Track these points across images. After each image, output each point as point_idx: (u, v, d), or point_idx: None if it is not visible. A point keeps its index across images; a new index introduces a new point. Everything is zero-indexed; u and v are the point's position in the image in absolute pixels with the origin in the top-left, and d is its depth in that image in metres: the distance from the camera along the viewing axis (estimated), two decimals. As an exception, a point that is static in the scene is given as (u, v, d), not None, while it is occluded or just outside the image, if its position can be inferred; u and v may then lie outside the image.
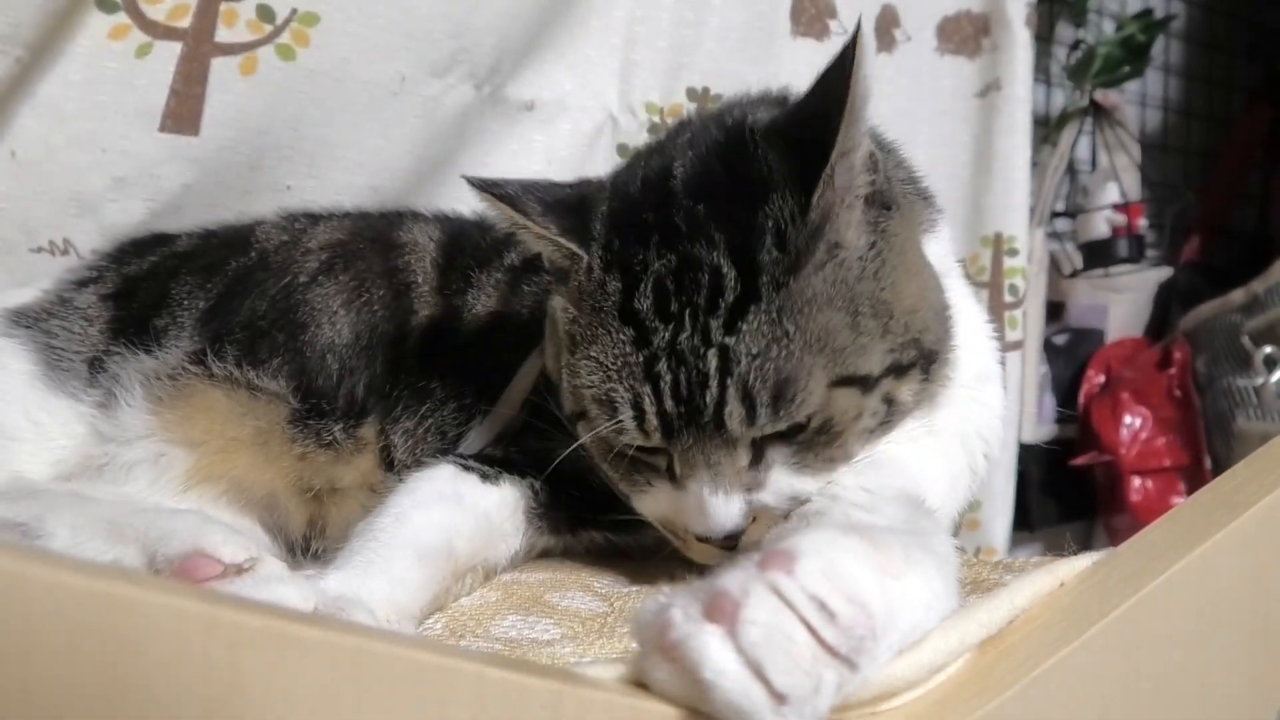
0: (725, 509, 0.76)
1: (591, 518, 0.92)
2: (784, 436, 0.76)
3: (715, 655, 0.44)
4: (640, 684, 0.46)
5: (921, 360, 0.80)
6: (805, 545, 0.47)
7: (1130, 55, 2.17)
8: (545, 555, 0.94)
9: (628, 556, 0.94)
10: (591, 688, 0.43)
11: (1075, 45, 2.25)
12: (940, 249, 0.91)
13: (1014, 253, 1.85)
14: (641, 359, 0.76)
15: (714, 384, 0.73)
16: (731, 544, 0.77)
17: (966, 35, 1.86)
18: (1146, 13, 2.29)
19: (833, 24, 1.76)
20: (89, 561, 0.35)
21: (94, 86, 1.24)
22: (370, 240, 1.13)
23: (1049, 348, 2.30)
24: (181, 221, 1.26)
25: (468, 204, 1.28)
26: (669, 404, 0.75)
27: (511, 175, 1.49)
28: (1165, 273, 2.40)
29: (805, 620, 0.45)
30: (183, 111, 1.29)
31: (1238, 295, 2.03)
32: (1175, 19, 2.51)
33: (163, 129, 1.28)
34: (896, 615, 0.49)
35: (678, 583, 0.73)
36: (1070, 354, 2.32)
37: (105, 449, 1.00)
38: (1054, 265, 2.26)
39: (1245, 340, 1.98)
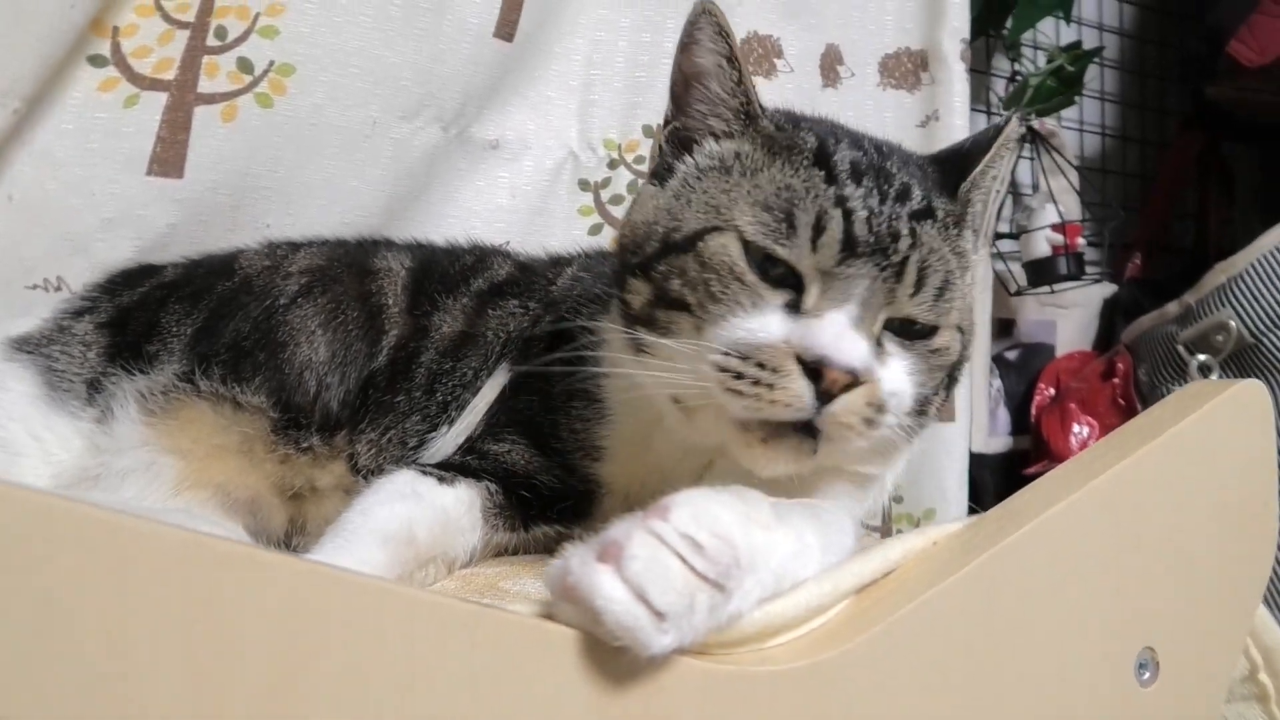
0: (860, 344, 0.77)
1: (541, 513, 0.98)
2: (903, 338, 0.83)
3: (605, 587, 0.54)
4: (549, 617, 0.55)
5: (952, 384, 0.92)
6: (680, 499, 0.58)
7: (1062, 85, 2.30)
8: (501, 554, 0.99)
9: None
10: (506, 613, 0.53)
11: (1011, 77, 2.38)
12: None
13: (958, 272, 1.94)
14: (833, 193, 0.82)
15: (905, 241, 0.81)
16: (834, 392, 0.76)
17: (906, 70, 1.96)
18: (1075, 45, 2.42)
19: (779, 63, 1.86)
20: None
21: (85, 135, 1.34)
22: (347, 266, 1.20)
23: (1001, 363, 2.39)
24: (167, 258, 1.33)
25: (440, 235, 1.38)
26: (861, 230, 0.80)
27: (478, 209, 1.60)
28: (1110, 289, 2.51)
29: (677, 552, 0.55)
30: (168, 157, 1.38)
31: (1173, 307, 2.12)
32: (1104, 50, 2.64)
33: (149, 173, 1.37)
34: (761, 554, 0.58)
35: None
36: (1022, 368, 2.42)
37: (100, 459, 1.07)
38: (1000, 284, 2.37)
39: (1181, 349, 2.07)
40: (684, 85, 0.92)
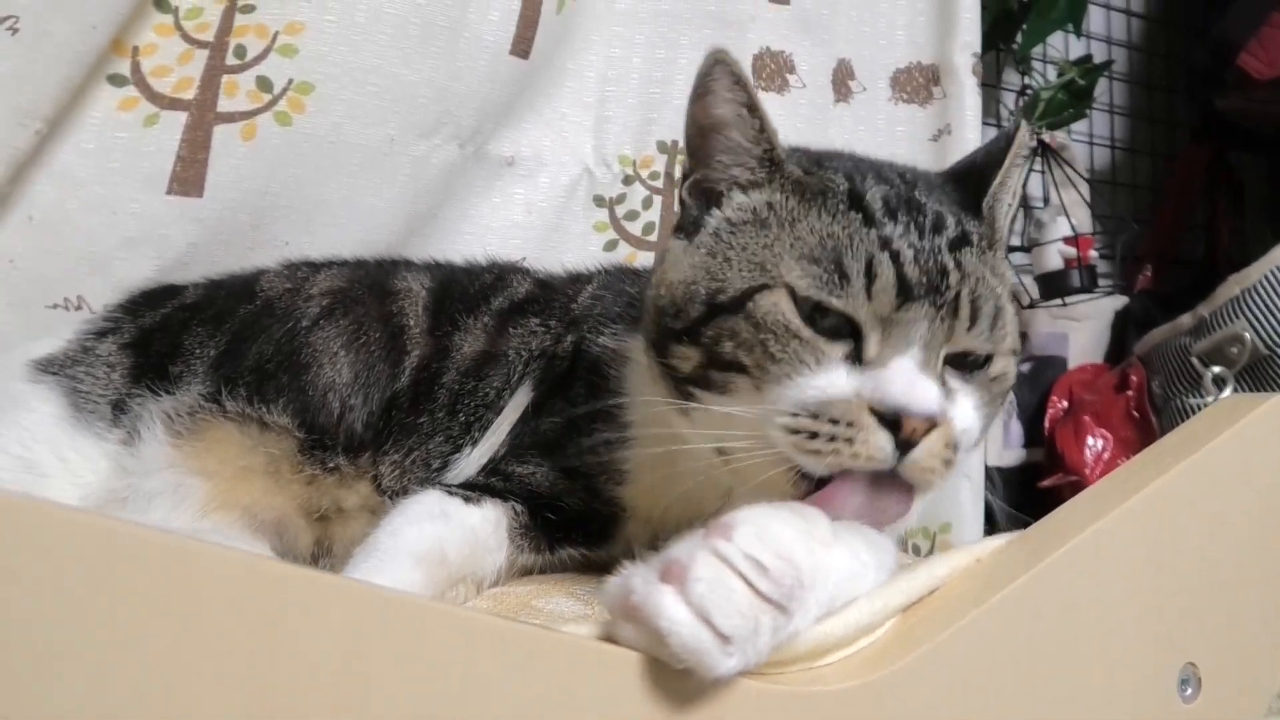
0: (931, 388, 0.75)
1: (565, 535, 0.98)
2: (962, 371, 0.81)
3: (669, 608, 0.54)
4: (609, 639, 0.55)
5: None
6: (741, 516, 0.57)
7: (1072, 98, 2.31)
8: (527, 573, 0.99)
9: (606, 569, 1.01)
10: (565, 635, 0.53)
11: (1022, 91, 2.39)
12: None
13: (971, 285, 1.94)
14: (875, 236, 0.80)
15: (954, 276, 0.78)
16: (915, 437, 0.74)
17: (918, 85, 1.97)
18: (1086, 59, 2.43)
19: (792, 79, 1.87)
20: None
21: (106, 154, 1.34)
22: (368, 287, 1.20)
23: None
24: (187, 277, 1.34)
25: (455, 253, 1.39)
26: (913, 272, 0.78)
27: (494, 226, 1.60)
28: (1121, 301, 2.51)
29: (742, 574, 0.55)
30: (188, 176, 1.39)
31: (1186, 319, 2.13)
32: (1114, 63, 2.65)
33: (169, 192, 1.37)
34: (822, 573, 0.58)
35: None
36: (1035, 381, 2.42)
37: (127, 481, 1.07)
38: (1013, 296, 2.36)
39: (1195, 361, 2.07)
40: (701, 136, 0.89)
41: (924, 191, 0.86)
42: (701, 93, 0.87)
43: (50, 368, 1.13)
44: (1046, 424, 2.34)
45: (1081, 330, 2.46)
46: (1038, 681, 0.66)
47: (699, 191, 0.91)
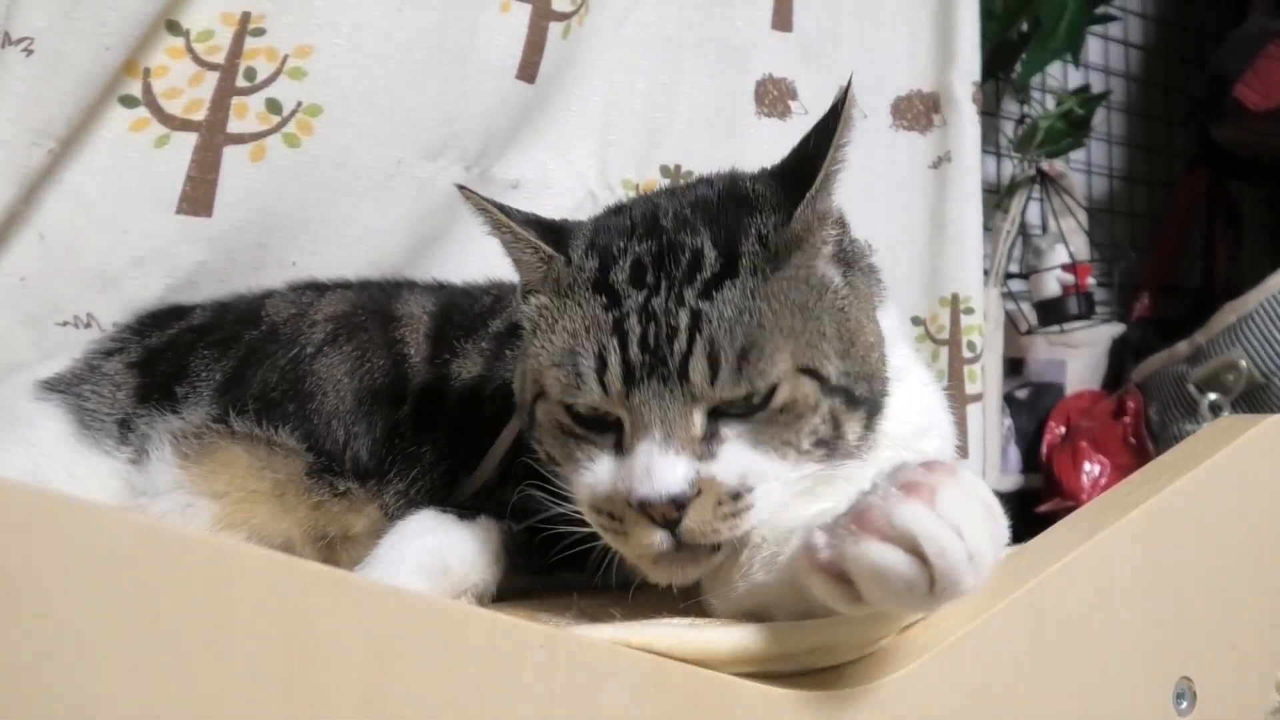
0: (672, 468, 0.74)
1: (563, 560, 0.95)
2: (741, 415, 0.78)
3: (922, 520, 0.57)
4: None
5: (869, 403, 0.84)
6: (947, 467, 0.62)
7: (1071, 127, 2.34)
8: (525, 593, 0.98)
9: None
10: (582, 636, 0.54)
11: (1020, 119, 2.42)
12: (888, 321, 0.97)
13: (970, 311, 1.95)
14: (611, 319, 0.79)
15: (683, 337, 0.76)
16: (674, 518, 0.75)
17: (918, 112, 1.99)
18: (1084, 88, 2.47)
19: (794, 105, 1.89)
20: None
21: (116, 174, 1.36)
22: (371, 313, 1.20)
23: (1012, 402, 2.41)
24: (196, 295, 1.36)
25: (459, 274, 1.40)
26: (634, 352, 0.77)
27: (499, 250, 1.61)
28: (1119, 328, 2.53)
29: (984, 501, 0.60)
30: (197, 196, 1.40)
31: (1183, 347, 2.15)
32: (1111, 93, 2.68)
33: (179, 212, 1.39)
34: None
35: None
36: (1032, 407, 2.44)
37: (137, 501, 1.07)
38: (1011, 323, 2.39)
39: (1191, 389, 2.09)
40: (506, 250, 0.92)
41: (700, 221, 0.83)
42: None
43: (57, 386, 1.14)
44: (1044, 449, 2.36)
45: (1079, 357, 2.47)
46: (1035, 693, 0.67)
47: (524, 292, 0.91)
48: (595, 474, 0.80)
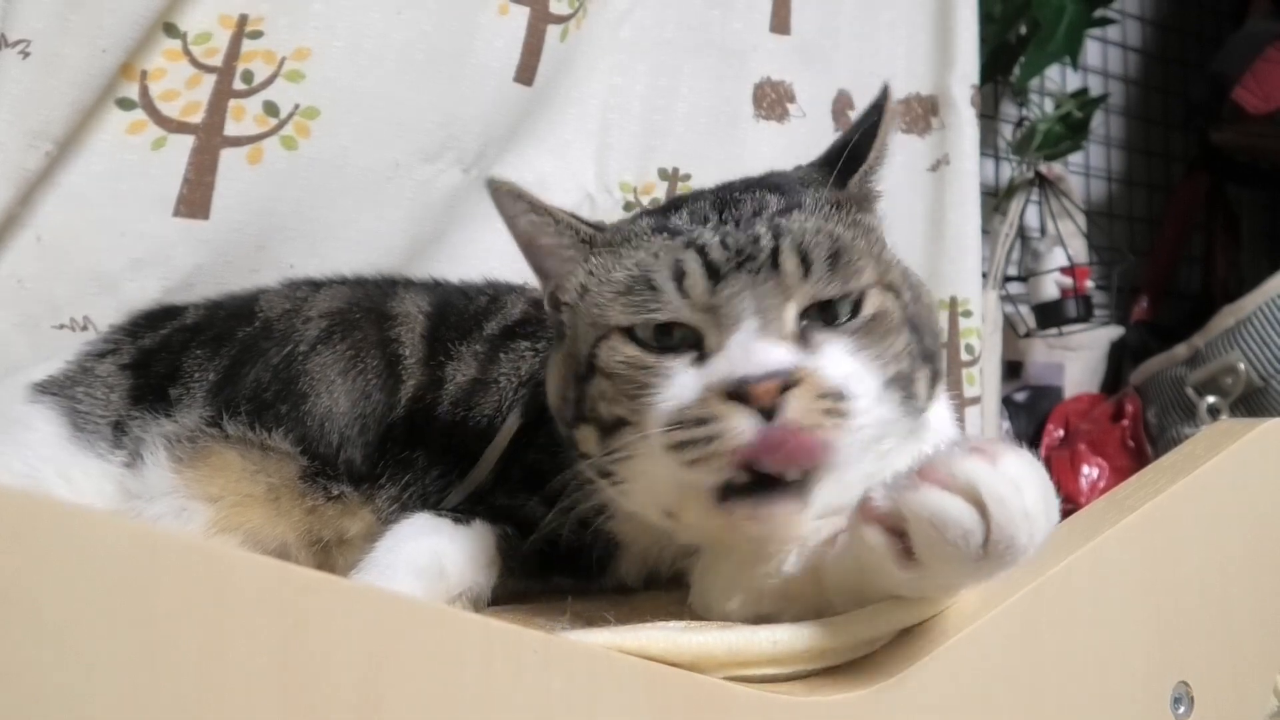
0: (772, 348, 0.72)
1: (558, 565, 0.96)
2: (831, 324, 0.76)
3: (984, 471, 0.58)
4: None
5: (932, 360, 0.84)
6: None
7: (1069, 130, 2.34)
8: (521, 597, 0.98)
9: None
10: (577, 642, 0.54)
11: (1019, 122, 2.42)
12: None
13: (968, 314, 1.95)
14: (680, 241, 0.79)
15: (767, 237, 0.76)
16: (771, 400, 0.70)
17: (917, 115, 1.99)
18: (1082, 91, 2.47)
19: (791, 108, 1.89)
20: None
21: (114, 176, 1.36)
22: (366, 310, 1.19)
23: (1011, 405, 2.41)
24: (193, 298, 1.33)
25: (459, 274, 1.39)
26: (716, 254, 0.76)
27: (497, 249, 1.61)
28: (1117, 331, 2.53)
29: (1041, 473, 0.61)
30: (195, 198, 1.40)
31: (1181, 350, 2.15)
32: (1110, 96, 2.68)
33: (176, 214, 1.39)
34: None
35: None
36: (1031, 410, 2.44)
37: (132, 505, 1.06)
38: (1009, 326, 2.39)
39: (1190, 392, 2.09)
40: (530, 254, 0.92)
41: (758, 188, 0.84)
42: (503, 217, 0.90)
43: (50, 388, 1.13)
44: (1042, 453, 2.35)
45: (1077, 360, 2.48)
46: (1032, 697, 0.67)
47: (556, 303, 0.90)
48: (677, 387, 0.75)
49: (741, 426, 0.70)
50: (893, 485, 0.62)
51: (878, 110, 0.87)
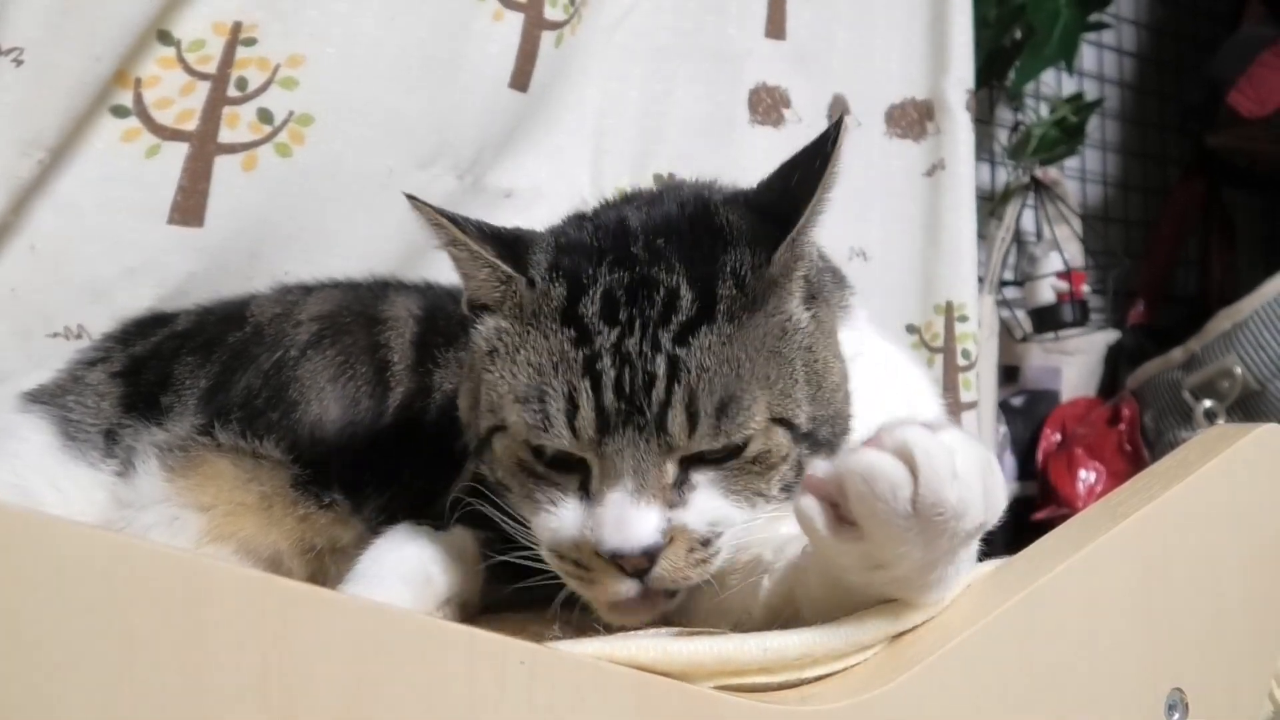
0: (645, 520, 0.73)
1: (537, 572, 0.97)
2: (713, 461, 0.76)
3: (919, 434, 0.59)
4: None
5: (830, 445, 0.82)
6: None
7: (1065, 135, 2.34)
8: (512, 606, 0.96)
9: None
10: (563, 651, 0.53)
11: (1014, 127, 2.42)
12: (856, 330, 0.95)
13: (964, 319, 1.94)
14: (581, 356, 0.76)
15: (661, 385, 0.74)
16: (644, 567, 0.74)
17: (912, 120, 1.99)
18: (1078, 96, 2.47)
19: (787, 113, 1.89)
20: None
21: (107, 184, 1.35)
22: (357, 314, 1.18)
23: (1008, 409, 2.41)
24: (185, 306, 1.34)
25: (451, 280, 1.39)
26: (609, 399, 0.74)
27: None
28: (1113, 335, 2.53)
29: (983, 451, 0.62)
30: (189, 206, 1.40)
31: (1178, 354, 2.15)
32: (1105, 101, 2.69)
33: (170, 222, 1.38)
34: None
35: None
36: (1028, 414, 2.43)
37: (124, 514, 1.06)
38: (1006, 331, 2.39)
39: (1186, 395, 2.09)
40: (453, 260, 0.87)
41: (674, 255, 0.80)
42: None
43: (40, 397, 1.12)
44: (1039, 457, 2.36)
45: (1074, 364, 2.48)
46: (1026, 704, 0.66)
47: (472, 307, 0.88)
48: (559, 519, 0.78)
49: (619, 588, 0.75)
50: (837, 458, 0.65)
51: (825, 142, 0.79)
